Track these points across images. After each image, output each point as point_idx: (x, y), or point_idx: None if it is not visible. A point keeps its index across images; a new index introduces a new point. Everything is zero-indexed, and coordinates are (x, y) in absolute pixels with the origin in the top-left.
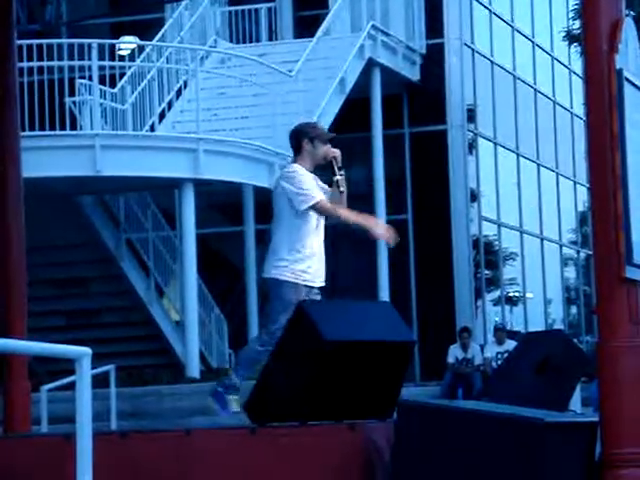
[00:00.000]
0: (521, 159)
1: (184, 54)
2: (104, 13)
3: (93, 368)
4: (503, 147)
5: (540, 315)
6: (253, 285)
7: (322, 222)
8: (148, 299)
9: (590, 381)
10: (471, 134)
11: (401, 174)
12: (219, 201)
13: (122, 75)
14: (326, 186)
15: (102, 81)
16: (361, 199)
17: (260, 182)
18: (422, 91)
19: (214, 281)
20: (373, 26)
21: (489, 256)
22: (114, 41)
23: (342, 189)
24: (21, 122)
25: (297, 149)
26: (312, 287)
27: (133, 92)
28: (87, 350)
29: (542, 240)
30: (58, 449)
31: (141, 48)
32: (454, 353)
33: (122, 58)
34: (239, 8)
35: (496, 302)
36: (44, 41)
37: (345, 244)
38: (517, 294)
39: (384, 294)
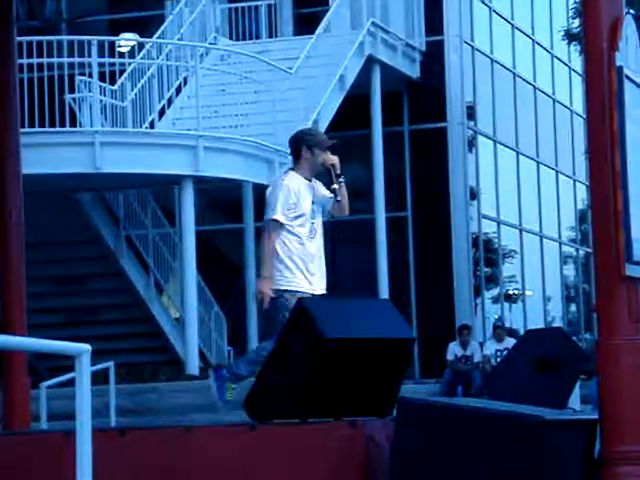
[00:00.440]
0: (521, 157)
1: (184, 51)
2: (104, 10)
3: (92, 365)
4: (503, 145)
5: (539, 313)
6: (252, 283)
7: (319, 227)
8: (148, 296)
9: (589, 379)
10: (471, 131)
11: (401, 171)
12: (219, 198)
13: (122, 72)
14: (328, 193)
15: (102, 78)
16: (361, 196)
17: (260, 179)
18: (422, 88)
19: (214, 278)
20: (373, 23)
21: (488, 254)
22: (114, 38)
23: (339, 198)
24: (21, 119)
25: (296, 156)
26: (313, 295)
27: (133, 89)
28: (87, 347)
29: (541, 238)
30: (58, 446)
31: (141, 45)
32: (453, 350)
33: (122, 55)
34: (239, 5)
35: (495, 300)
36: (44, 38)
37: (345, 242)
38: (516, 292)
39: (384, 291)
